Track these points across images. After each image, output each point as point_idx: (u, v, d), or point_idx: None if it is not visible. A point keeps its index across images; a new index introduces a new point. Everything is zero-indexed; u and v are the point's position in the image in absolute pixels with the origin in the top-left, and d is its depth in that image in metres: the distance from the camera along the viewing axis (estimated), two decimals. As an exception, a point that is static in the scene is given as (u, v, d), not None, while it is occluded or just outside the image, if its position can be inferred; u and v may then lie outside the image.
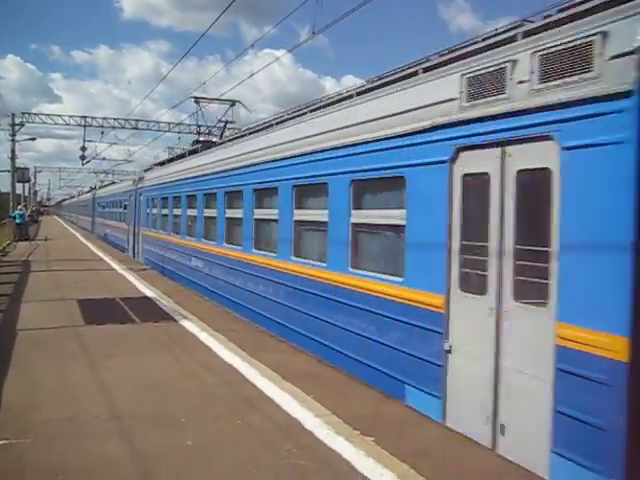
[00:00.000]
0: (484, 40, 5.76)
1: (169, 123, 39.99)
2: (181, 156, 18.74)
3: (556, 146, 4.38)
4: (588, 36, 4.19)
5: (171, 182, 17.32)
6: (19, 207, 35.26)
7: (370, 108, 7.03)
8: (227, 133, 19.14)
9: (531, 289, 4.65)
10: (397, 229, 6.44)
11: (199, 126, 21.04)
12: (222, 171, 12.27)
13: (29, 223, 37.52)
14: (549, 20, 4.90)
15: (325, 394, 5.72)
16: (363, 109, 7.21)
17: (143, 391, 5.84)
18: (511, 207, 4.80)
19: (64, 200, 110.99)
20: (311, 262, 8.36)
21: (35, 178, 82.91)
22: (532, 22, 5.22)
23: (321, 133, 8.06)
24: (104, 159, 52.55)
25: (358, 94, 7.85)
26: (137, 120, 39.72)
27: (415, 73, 6.61)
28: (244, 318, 10.10)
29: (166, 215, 17.96)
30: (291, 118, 10.18)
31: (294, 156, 8.83)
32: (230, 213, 11.94)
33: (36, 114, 38.73)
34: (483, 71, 5.21)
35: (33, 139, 45.41)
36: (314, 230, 8.53)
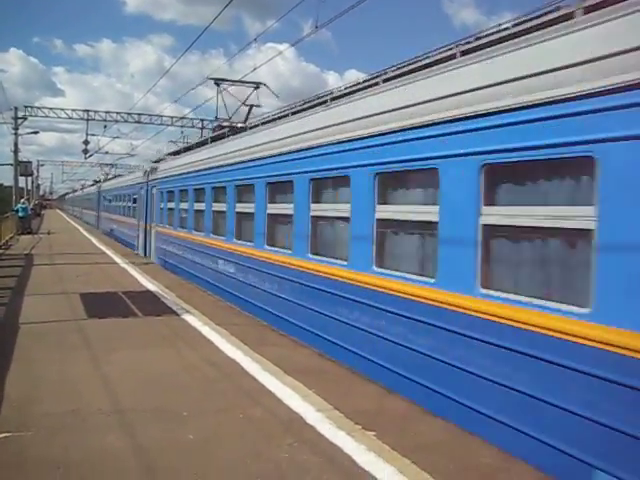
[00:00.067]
0: None
1: (172, 117, 39.96)
2: (202, 143, 16.76)
3: None
4: None
5: (192, 172, 14.93)
6: (22, 201, 35.29)
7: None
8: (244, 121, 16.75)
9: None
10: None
11: (215, 120, 18.30)
12: (259, 158, 10.11)
13: (32, 217, 37.61)
14: None
15: (327, 388, 5.72)
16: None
17: (145, 385, 5.85)
18: None
19: (67, 194, 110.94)
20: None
21: (38, 172, 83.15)
22: None
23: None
24: (107, 153, 52.65)
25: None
26: (140, 114, 39.70)
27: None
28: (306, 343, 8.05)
29: (185, 210, 15.53)
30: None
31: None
32: (273, 209, 9.71)
33: (39, 108, 38.69)
34: None
35: (36, 133, 45.27)
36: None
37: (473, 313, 5.12)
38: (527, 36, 5.04)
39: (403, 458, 4.18)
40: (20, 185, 44.81)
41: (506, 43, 5.27)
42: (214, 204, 12.91)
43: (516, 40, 5.12)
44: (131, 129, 41.29)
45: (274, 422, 4.87)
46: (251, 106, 17.00)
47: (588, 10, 4.61)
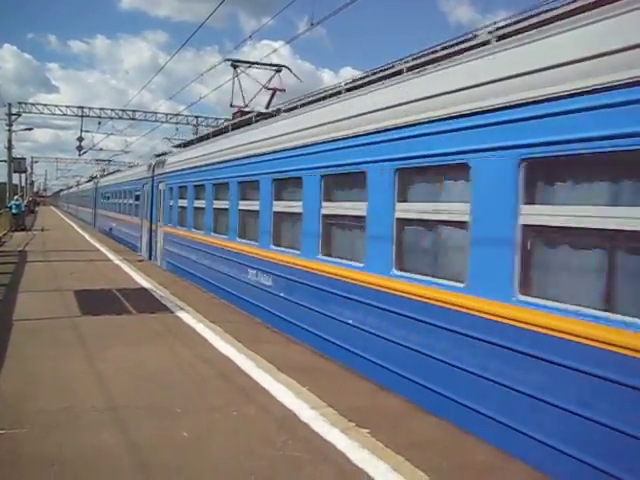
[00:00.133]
0: None
1: (167, 114, 40.01)
2: (219, 132, 14.52)
3: None
4: None
5: (211, 165, 12.83)
6: (15, 197, 35.21)
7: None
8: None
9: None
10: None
11: (229, 111, 15.82)
12: (301, 146, 8.48)
13: (26, 213, 37.47)
14: None
15: (320, 386, 5.73)
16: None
17: (139, 382, 5.84)
18: None
19: (61, 190, 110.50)
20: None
21: (32, 168, 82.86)
22: None
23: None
24: (101, 150, 52.57)
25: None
26: (134, 111, 39.74)
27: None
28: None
29: (201, 209, 13.47)
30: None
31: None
32: (329, 208, 7.78)
33: (33, 104, 38.67)
34: None
35: (30, 129, 45.12)
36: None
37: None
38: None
39: (397, 455, 4.19)
40: (14, 182, 44.66)
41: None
42: (241, 202, 10.97)
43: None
44: (125, 126, 41.43)
45: (268, 419, 4.88)
46: (274, 90, 15.13)
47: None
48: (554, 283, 4.62)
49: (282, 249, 8.70)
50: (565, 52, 4.37)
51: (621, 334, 3.88)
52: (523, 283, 4.69)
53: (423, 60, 6.60)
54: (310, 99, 9.61)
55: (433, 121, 5.64)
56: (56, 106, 38.48)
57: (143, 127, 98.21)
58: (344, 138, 7.24)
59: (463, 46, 5.98)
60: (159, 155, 21.36)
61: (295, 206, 8.57)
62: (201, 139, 16.15)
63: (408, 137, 6.01)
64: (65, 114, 38.66)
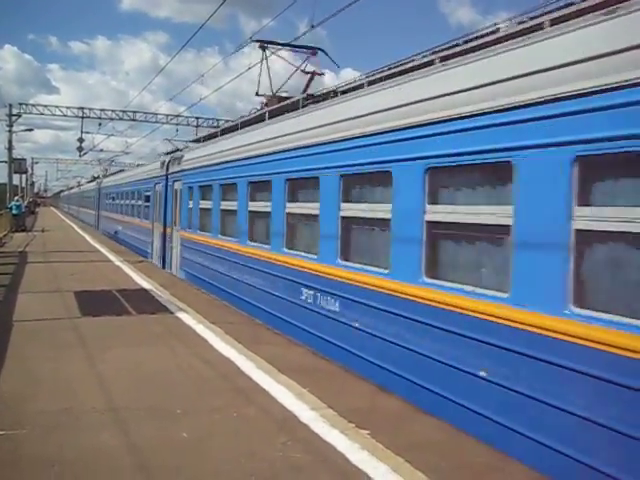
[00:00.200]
0: None
1: (167, 115, 40.04)
2: (252, 121, 12.18)
3: None
4: None
5: (245, 160, 10.82)
6: (16, 198, 35.23)
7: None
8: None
9: None
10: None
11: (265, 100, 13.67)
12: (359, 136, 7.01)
13: (26, 214, 37.48)
14: None
15: (321, 387, 5.73)
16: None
17: (139, 383, 5.84)
18: None
19: (62, 191, 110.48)
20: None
21: (32, 169, 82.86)
22: None
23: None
24: (101, 151, 52.56)
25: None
26: (135, 112, 39.78)
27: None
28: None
29: (232, 212, 11.45)
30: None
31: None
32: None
33: (33, 105, 38.72)
34: None
35: (30, 130, 45.26)
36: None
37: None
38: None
39: (397, 456, 4.19)
40: (14, 183, 44.66)
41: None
42: (289, 205, 8.94)
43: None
44: (126, 127, 41.51)
45: (268, 421, 4.88)
46: (312, 73, 13.27)
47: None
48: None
49: (357, 266, 6.97)
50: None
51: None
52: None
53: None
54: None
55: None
56: (56, 107, 38.56)
57: (143, 128, 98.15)
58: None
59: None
60: (172, 152, 19.55)
61: (380, 210, 6.68)
62: (227, 131, 14.00)
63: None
64: (65, 115, 38.70)
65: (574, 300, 4.24)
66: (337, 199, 7.48)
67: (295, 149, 8.67)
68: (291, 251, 8.79)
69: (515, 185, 4.75)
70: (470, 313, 5.14)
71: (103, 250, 20.53)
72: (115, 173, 39.93)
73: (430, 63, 6.41)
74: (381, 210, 6.57)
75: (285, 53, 14.53)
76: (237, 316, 9.64)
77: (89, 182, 57.04)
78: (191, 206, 14.50)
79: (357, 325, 6.93)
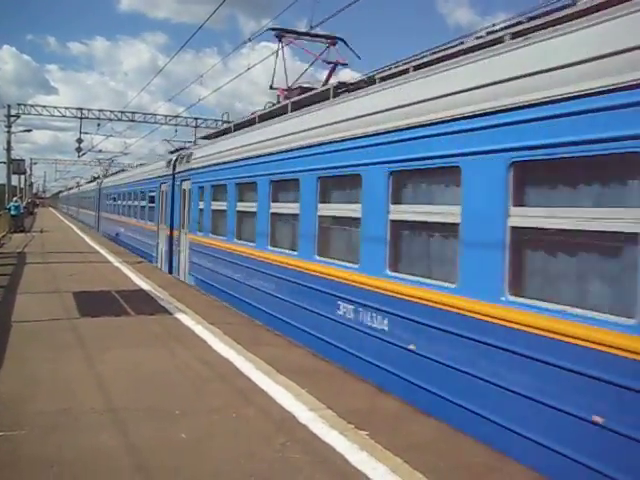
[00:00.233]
0: None
1: (166, 116, 39.99)
2: (272, 114, 10.90)
3: None
4: None
5: (266, 157, 9.73)
6: (14, 199, 35.20)
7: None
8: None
9: None
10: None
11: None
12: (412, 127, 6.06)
13: (24, 215, 37.49)
14: None
15: (320, 388, 5.73)
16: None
17: (138, 384, 5.85)
18: None
19: (60, 192, 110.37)
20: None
21: (31, 170, 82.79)
22: None
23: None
24: (100, 151, 52.48)
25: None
26: (133, 112, 39.69)
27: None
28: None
29: (250, 214, 10.38)
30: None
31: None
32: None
33: (32, 105, 38.63)
34: None
35: (29, 131, 45.09)
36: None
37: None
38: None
39: (396, 457, 4.19)
40: (13, 183, 44.61)
41: None
42: (321, 206, 7.88)
43: None
44: (125, 127, 41.31)
45: (267, 421, 4.88)
46: (335, 63, 12.18)
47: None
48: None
49: (418, 280, 5.91)
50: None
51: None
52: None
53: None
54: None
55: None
56: (55, 107, 38.47)
57: (142, 129, 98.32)
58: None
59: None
60: (178, 150, 18.66)
61: (444, 213, 5.65)
62: (241, 126, 12.68)
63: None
64: (64, 115, 38.63)
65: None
66: (385, 200, 6.37)
67: (330, 143, 7.61)
68: (324, 259, 7.74)
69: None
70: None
71: (102, 251, 20.52)
72: (116, 173, 39.32)
73: (500, 40, 5.48)
74: (446, 213, 5.57)
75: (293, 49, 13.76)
76: (236, 317, 9.64)
77: (89, 182, 56.34)
78: (202, 207, 13.48)
79: (413, 348, 5.84)
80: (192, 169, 14.54)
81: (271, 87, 12.79)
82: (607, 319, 3.99)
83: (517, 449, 4.47)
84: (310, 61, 12.75)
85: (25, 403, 5.17)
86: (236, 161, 11.26)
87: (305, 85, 11.06)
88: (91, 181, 54.64)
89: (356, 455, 4.22)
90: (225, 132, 13.93)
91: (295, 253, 8.56)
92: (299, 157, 8.53)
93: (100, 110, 38.79)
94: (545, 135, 4.47)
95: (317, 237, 7.94)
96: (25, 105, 38.50)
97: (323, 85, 10.31)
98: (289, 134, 8.99)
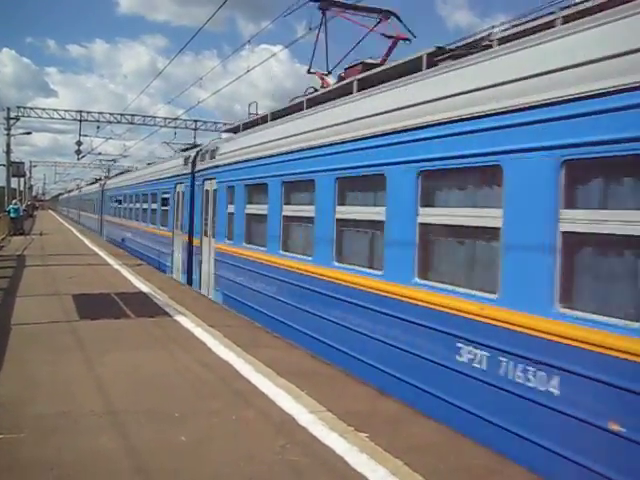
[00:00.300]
0: None
1: (165, 118, 39.97)
2: (317, 100, 9.31)
3: None
4: None
5: (327, 147, 7.68)
6: (14, 201, 35.17)
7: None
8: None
9: None
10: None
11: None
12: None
13: (24, 217, 37.48)
14: None
15: (319, 390, 5.73)
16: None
17: (137, 386, 5.84)
18: None
19: (60, 194, 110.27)
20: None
21: (30, 172, 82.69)
22: None
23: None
24: (100, 154, 52.48)
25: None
26: (133, 115, 39.69)
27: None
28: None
29: (304, 219, 8.41)
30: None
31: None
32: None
33: (32, 108, 38.59)
34: None
35: (29, 133, 45.04)
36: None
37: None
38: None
39: (396, 459, 4.19)
40: (13, 186, 44.59)
41: None
42: (423, 210, 5.83)
43: None
44: (124, 130, 41.18)
45: (267, 424, 4.88)
46: (396, 38, 10.22)
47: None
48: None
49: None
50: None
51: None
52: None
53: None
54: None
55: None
56: (55, 110, 38.47)
57: (142, 131, 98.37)
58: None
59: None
60: (187, 149, 17.07)
61: (484, 217, 5.04)
62: (280, 114, 10.60)
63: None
64: (64, 118, 38.63)
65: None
66: (554, 201, 4.31)
67: (435, 125, 5.67)
68: (430, 282, 5.71)
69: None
70: None
71: (102, 253, 20.51)
72: (120, 173, 38.02)
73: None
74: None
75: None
76: (236, 319, 9.63)
77: (90, 184, 55.16)
78: (232, 211, 11.35)
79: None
80: (217, 166, 12.48)
81: (309, 71, 11.32)
82: None
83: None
84: (357, 39, 10.85)
85: (25, 406, 5.16)
86: (281, 154, 9.16)
87: (368, 61, 9.15)
88: (93, 183, 53.76)
89: (356, 457, 4.22)
90: (259, 122, 11.77)
91: (379, 273, 6.51)
92: (382, 146, 6.51)
93: (99, 113, 38.83)
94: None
95: (417, 253, 5.89)
96: (25, 108, 38.47)
97: (382, 62, 8.96)
98: (371, 115, 6.85)
